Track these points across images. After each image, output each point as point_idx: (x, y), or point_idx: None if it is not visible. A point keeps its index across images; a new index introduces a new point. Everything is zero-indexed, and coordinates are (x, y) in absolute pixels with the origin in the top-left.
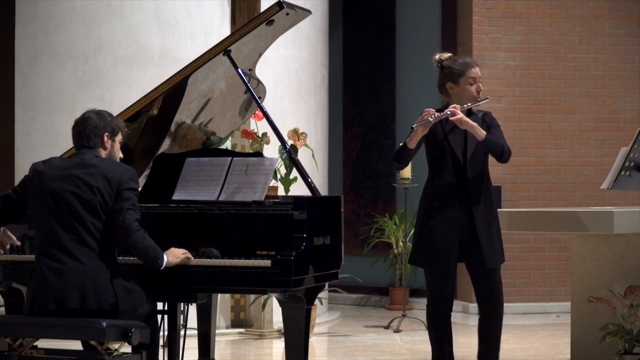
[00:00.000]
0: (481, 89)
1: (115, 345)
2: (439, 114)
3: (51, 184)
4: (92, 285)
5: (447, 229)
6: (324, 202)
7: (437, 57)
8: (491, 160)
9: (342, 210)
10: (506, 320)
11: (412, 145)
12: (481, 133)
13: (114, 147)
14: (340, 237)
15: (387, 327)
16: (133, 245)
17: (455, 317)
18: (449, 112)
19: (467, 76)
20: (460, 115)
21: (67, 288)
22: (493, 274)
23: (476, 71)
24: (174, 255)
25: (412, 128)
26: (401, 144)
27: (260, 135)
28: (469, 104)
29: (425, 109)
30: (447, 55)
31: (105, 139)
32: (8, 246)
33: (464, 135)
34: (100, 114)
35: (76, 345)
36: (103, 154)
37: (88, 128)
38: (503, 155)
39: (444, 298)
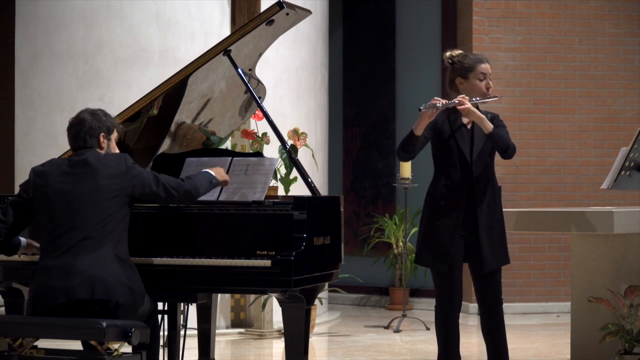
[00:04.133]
0: (490, 86)
1: (115, 345)
2: (446, 101)
3: (55, 183)
4: (97, 281)
5: (453, 228)
6: (324, 202)
7: (447, 53)
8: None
9: (342, 210)
10: (506, 320)
11: (418, 131)
12: (488, 126)
13: (110, 146)
14: (340, 237)
15: (387, 327)
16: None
17: None
18: (457, 101)
19: (477, 71)
20: (468, 105)
21: (71, 286)
22: (493, 276)
23: (486, 67)
24: (219, 174)
25: (420, 110)
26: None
27: (260, 135)
28: (478, 99)
29: (434, 97)
30: (458, 51)
31: (102, 139)
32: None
33: (470, 134)
34: (94, 114)
35: (76, 345)
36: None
37: (84, 130)
38: (508, 150)
39: (452, 298)
